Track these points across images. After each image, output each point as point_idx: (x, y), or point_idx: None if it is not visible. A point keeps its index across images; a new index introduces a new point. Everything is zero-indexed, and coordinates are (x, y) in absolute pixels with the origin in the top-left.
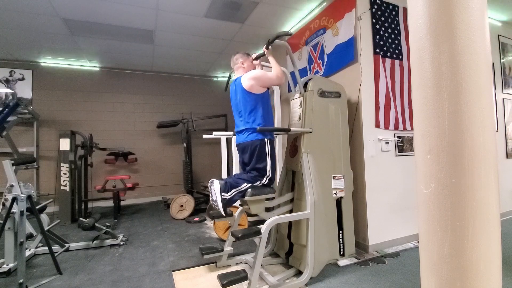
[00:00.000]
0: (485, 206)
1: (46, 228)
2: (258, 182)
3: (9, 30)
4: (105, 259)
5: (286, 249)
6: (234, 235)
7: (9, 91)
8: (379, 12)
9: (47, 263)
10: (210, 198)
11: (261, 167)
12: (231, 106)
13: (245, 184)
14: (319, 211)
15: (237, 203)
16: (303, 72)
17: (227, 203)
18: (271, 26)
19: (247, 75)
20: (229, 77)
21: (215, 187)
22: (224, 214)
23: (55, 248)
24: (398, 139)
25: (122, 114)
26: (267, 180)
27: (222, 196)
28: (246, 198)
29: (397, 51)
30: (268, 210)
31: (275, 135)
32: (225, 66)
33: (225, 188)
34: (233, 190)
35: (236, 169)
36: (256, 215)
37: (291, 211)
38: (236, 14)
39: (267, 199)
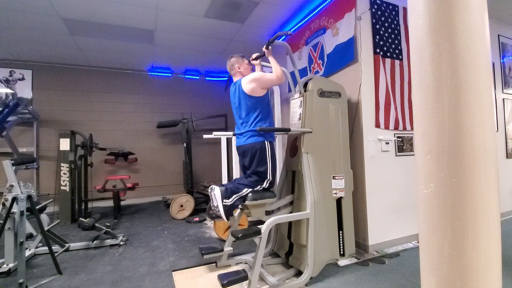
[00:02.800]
0: (485, 206)
1: (46, 228)
2: (258, 187)
3: (9, 30)
4: (105, 259)
5: (286, 249)
6: (234, 235)
7: (9, 91)
8: (379, 12)
9: (47, 263)
10: (211, 204)
11: (261, 171)
12: (231, 106)
13: (245, 189)
14: (319, 211)
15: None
16: (303, 72)
17: (229, 209)
18: (271, 26)
19: (247, 78)
20: (229, 77)
21: (216, 194)
22: (226, 220)
23: (55, 248)
24: (398, 139)
25: (122, 114)
26: (267, 184)
27: (224, 203)
28: (246, 202)
29: (397, 51)
30: (268, 213)
31: (275, 135)
32: (225, 66)
33: (225, 195)
34: (234, 196)
35: (236, 170)
36: None
37: (292, 201)
38: (236, 14)
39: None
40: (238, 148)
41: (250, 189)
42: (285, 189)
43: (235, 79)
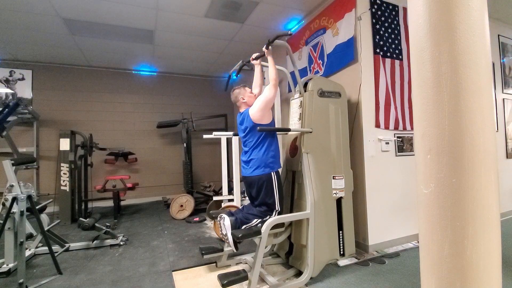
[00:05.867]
0: (485, 206)
1: (46, 228)
2: (267, 217)
3: (9, 30)
4: (105, 259)
5: (286, 249)
6: (234, 235)
7: (9, 91)
8: (379, 12)
9: (47, 263)
10: (220, 232)
11: (269, 202)
12: (231, 106)
13: (255, 220)
14: (319, 211)
15: None
16: (303, 72)
17: (238, 240)
18: (271, 26)
19: (253, 108)
20: (229, 77)
21: (225, 224)
22: (235, 250)
23: (55, 248)
24: (398, 139)
25: (122, 114)
26: (276, 214)
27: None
28: None
29: (397, 51)
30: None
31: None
32: (225, 66)
33: (235, 225)
34: (244, 227)
35: (236, 170)
36: None
37: (292, 201)
38: (236, 14)
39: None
40: (244, 178)
41: (260, 220)
42: (285, 190)
43: (241, 110)
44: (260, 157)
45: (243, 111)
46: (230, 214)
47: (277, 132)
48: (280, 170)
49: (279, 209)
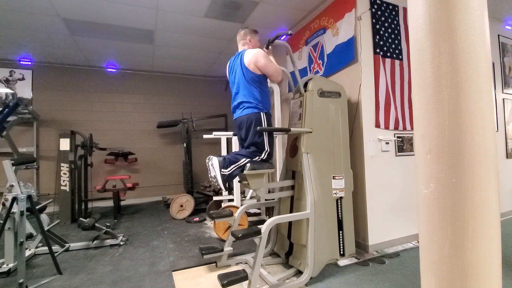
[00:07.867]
0: (485, 206)
1: (46, 228)
2: (257, 157)
3: (9, 30)
4: (105, 259)
5: (286, 249)
6: (234, 235)
7: (9, 91)
8: (379, 12)
9: (47, 263)
10: (209, 175)
11: (259, 142)
12: (230, 105)
13: (244, 159)
14: (319, 211)
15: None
16: (303, 72)
17: (227, 179)
18: (271, 26)
19: (251, 51)
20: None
21: (213, 163)
22: (224, 190)
23: (55, 248)
24: (398, 139)
25: (122, 114)
26: (265, 155)
27: (222, 172)
28: (245, 172)
29: (397, 51)
30: (268, 192)
31: (275, 135)
32: (225, 66)
33: (224, 164)
34: (232, 166)
35: None
36: (256, 215)
37: (292, 201)
38: (236, 14)
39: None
40: (235, 120)
41: (249, 159)
42: (285, 189)
43: (240, 49)
44: (250, 100)
45: (238, 52)
46: (218, 156)
47: (276, 132)
48: (270, 114)
49: (269, 150)
